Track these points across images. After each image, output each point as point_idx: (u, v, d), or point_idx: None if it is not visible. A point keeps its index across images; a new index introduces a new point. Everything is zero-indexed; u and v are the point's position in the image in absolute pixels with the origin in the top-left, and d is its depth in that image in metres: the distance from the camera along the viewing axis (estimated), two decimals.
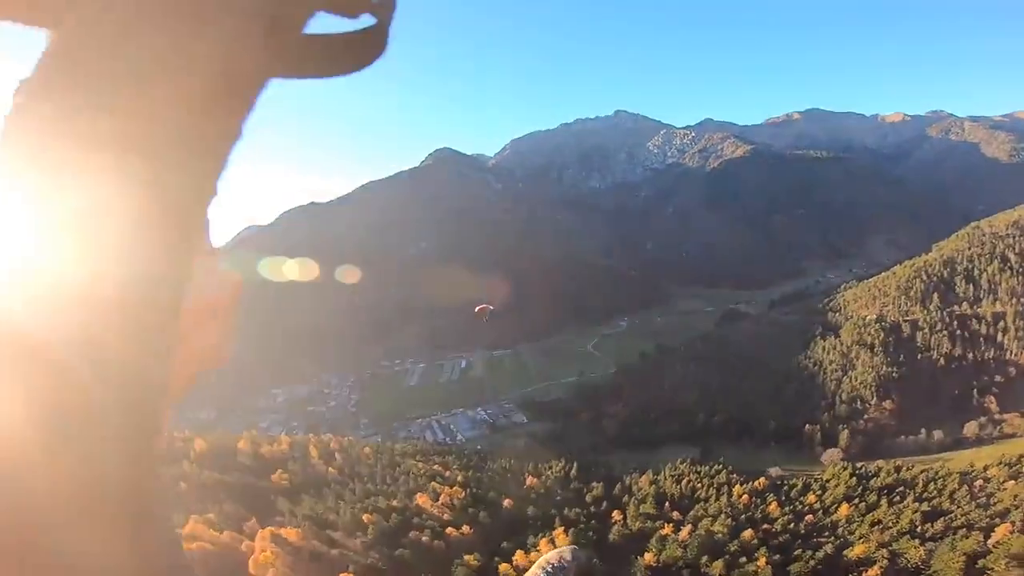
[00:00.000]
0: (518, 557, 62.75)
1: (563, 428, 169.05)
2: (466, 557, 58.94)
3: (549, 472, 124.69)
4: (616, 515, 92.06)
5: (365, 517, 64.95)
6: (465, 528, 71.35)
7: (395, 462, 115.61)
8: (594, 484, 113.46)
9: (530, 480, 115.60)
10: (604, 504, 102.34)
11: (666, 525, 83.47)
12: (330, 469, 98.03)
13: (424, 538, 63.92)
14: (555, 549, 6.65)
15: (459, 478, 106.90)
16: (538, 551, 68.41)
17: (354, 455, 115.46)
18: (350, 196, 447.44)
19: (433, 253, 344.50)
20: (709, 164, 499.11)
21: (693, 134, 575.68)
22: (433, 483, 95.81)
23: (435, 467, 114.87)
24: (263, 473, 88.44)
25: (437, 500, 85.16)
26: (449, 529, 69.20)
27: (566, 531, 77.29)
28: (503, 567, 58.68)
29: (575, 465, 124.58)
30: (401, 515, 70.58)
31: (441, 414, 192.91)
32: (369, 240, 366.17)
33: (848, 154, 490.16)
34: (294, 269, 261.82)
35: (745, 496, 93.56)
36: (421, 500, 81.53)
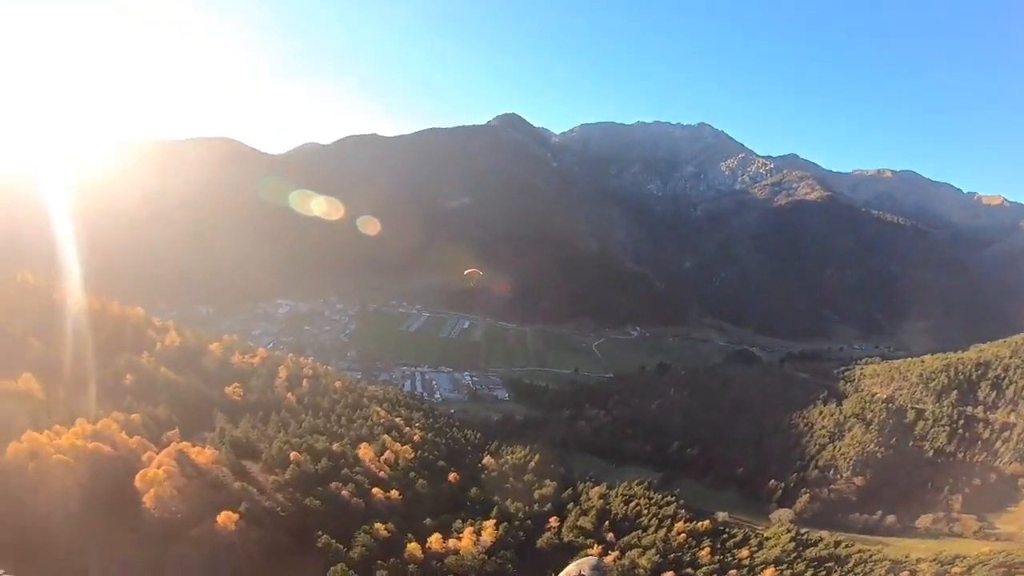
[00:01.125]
0: (433, 540, 58.95)
1: (541, 417, 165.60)
2: (377, 525, 55.24)
3: (509, 457, 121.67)
4: (554, 521, 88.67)
5: (293, 455, 61.70)
6: (394, 492, 67.81)
7: (360, 403, 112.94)
8: (547, 482, 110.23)
9: (487, 460, 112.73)
10: (548, 506, 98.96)
11: (596, 546, 79.92)
12: (289, 395, 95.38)
13: (344, 492, 60.33)
14: (575, 562, 6.79)
15: (416, 437, 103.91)
16: (458, 538, 64.74)
17: (322, 386, 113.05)
18: (410, 137, 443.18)
19: (471, 211, 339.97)
20: (778, 200, 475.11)
21: (772, 165, 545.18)
22: (386, 436, 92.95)
23: (397, 419, 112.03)
24: (219, 383, 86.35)
25: (381, 455, 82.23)
26: (376, 489, 65.36)
27: (497, 525, 73.73)
28: (412, 546, 54.85)
29: (536, 457, 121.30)
30: (333, 461, 67.22)
31: (427, 368, 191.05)
32: (415, 181, 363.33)
33: (928, 227, 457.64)
34: (321, 206, 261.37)
35: (683, 535, 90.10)
36: (363, 451, 78.39)
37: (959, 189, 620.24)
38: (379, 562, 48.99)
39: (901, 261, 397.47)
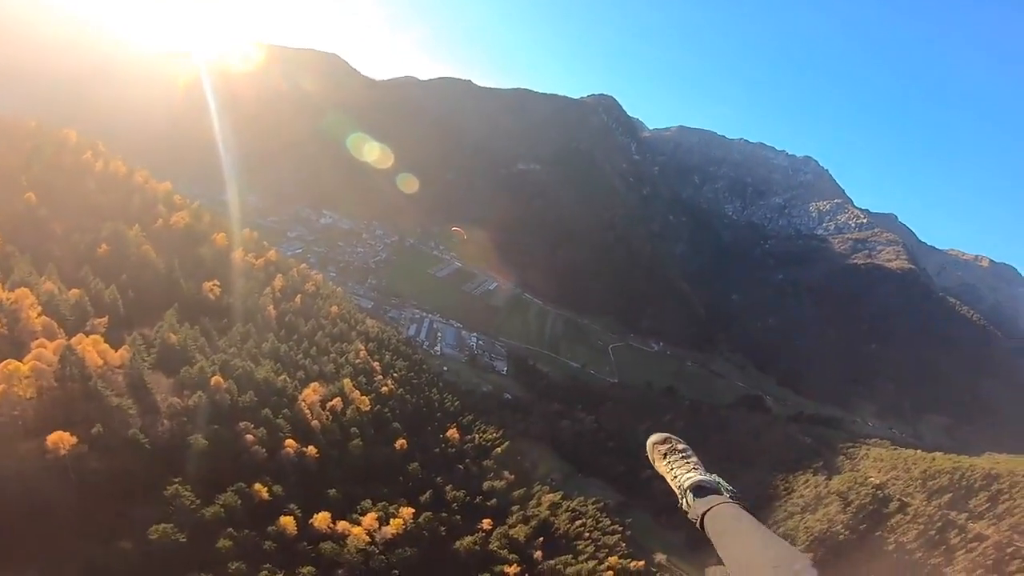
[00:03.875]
0: (319, 519, 51.28)
1: (529, 402, 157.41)
2: (257, 485, 48.14)
3: (477, 435, 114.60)
4: (487, 523, 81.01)
5: (214, 379, 55.23)
6: (312, 449, 60.61)
7: (346, 336, 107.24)
8: (505, 474, 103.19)
9: (450, 432, 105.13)
10: (494, 500, 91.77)
11: (514, 564, 71.98)
12: (271, 308, 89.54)
13: (248, 436, 53.55)
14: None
15: (384, 389, 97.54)
16: (354, 521, 57.05)
17: (315, 307, 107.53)
18: (503, 92, 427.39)
19: (537, 178, 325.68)
20: (855, 258, 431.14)
21: (865, 220, 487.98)
22: (348, 380, 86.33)
23: (375, 363, 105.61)
24: (203, 274, 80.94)
25: (328, 401, 75.76)
26: (290, 441, 58.00)
27: (417, 514, 66.41)
28: (285, 519, 47.57)
29: (505, 444, 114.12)
30: (261, 397, 60.56)
31: (439, 317, 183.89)
32: (492, 135, 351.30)
33: (1000, 333, 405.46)
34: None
35: (611, 572, 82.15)
36: (308, 392, 71.84)
37: None
38: (229, 530, 41.87)
39: (955, 360, 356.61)
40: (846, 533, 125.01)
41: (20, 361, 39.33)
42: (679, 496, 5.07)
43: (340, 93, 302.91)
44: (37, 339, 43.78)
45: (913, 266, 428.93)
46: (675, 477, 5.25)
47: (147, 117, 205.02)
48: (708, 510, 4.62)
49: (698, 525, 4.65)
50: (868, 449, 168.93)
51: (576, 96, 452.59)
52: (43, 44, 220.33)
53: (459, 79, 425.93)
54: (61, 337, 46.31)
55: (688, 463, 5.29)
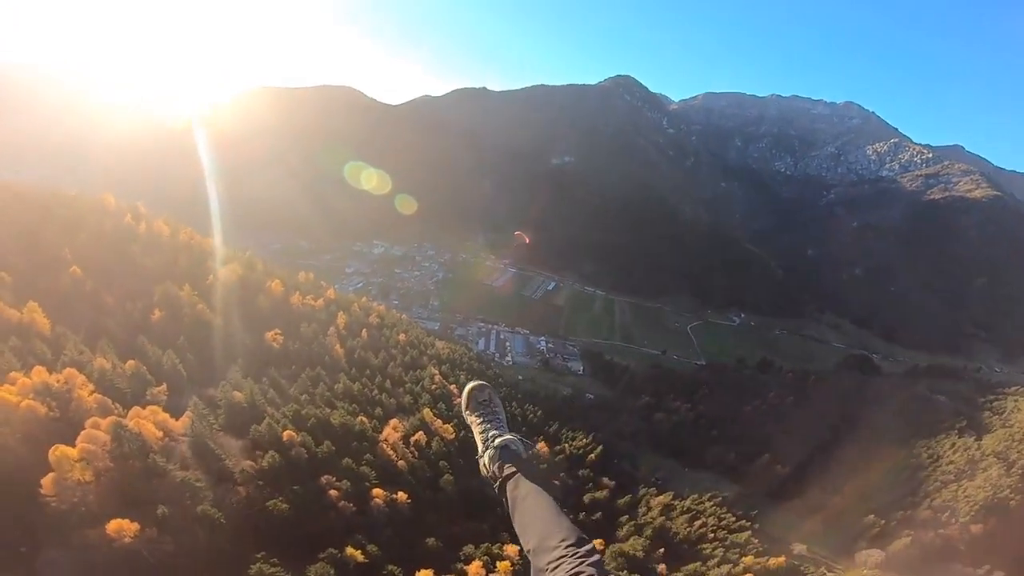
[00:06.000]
0: None
1: (614, 400, 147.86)
2: (349, 548, 41.98)
3: (568, 445, 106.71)
4: (598, 543, 72.33)
5: (286, 434, 50.06)
6: (402, 494, 54.26)
7: (418, 363, 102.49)
8: (605, 481, 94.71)
9: (541, 445, 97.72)
10: (599, 514, 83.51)
11: None
12: (338, 347, 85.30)
13: (332, 492, 47.75)
14: None
15: None
16: (459, 572, 49.83)
17: (383, 338, 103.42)
18: (518, 92, 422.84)
19: (574, 170, 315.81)
20: (930, 194, 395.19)
21: (931, 155, 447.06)
22: (428, 409, 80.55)
23: (452, 386, 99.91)
24: (263, 325, 77.46)
25: (412, 436, 70.01)
26: (377, 491, 51.98)
27: (522, 551, 58.65)
28: None
29: (599, 449, 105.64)
30: (337, 442, 55.18)
31: (504, 327, 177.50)
32: (520, 136, 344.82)
33: None
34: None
35: (751, 574, 70.56)
36: (389, 431, 66.46)
37: None
38: None
39: None
40: (1017, 498, 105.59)
41: (73, 444, 35.04)
42: (481, 450, 4.95)
43: (362, 122, 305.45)
44: (91, 418, 39.63)
45: (998, 192, 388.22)
46: (484, 431, 5.08)
47: (176, 173, 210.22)
48: (511, 476, 4.52)
49: (496, 485, 4.62)
50: (1016, 400, 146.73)
51: (594, 82, 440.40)
52: (39, 111, 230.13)
53: (474, 88, 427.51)
54: (116, 413, 42.19)
55: (498, 419, 5.19)
